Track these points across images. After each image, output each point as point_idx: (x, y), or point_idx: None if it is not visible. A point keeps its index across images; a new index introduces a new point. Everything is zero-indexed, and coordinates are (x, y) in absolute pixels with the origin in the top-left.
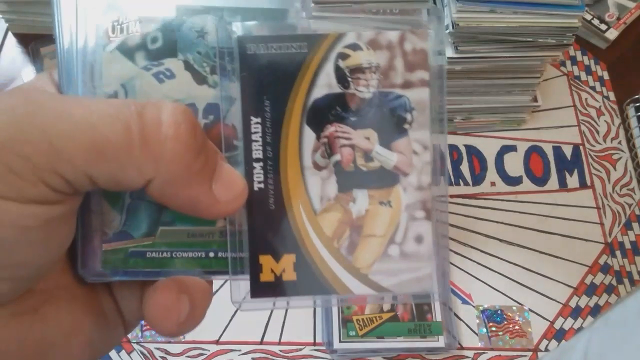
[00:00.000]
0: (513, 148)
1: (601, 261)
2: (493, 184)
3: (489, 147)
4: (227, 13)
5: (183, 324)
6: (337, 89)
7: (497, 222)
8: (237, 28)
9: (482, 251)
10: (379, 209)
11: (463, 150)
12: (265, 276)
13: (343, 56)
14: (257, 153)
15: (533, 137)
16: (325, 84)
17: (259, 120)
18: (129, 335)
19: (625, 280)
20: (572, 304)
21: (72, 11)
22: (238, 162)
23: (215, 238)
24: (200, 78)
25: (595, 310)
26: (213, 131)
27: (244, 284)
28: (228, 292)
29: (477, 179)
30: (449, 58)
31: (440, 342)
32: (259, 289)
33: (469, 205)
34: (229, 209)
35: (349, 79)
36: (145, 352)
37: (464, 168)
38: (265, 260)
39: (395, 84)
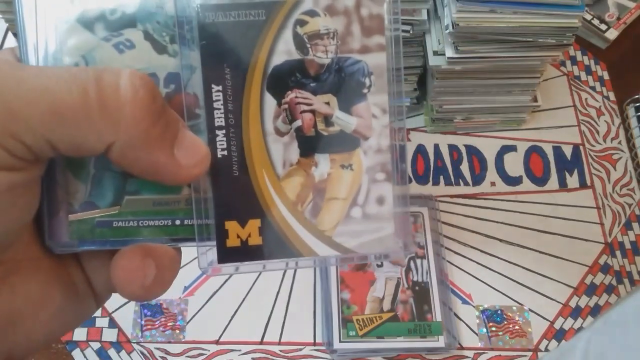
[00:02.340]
0: (513, 148)
1: (601, 261)
2: (493, 184)
3: (489, 147)
4: None
5: (149, 288)
6: (296, 55)
7: (497, 222)
8: None
9: (482, 251)
10: (340, 173)
11: (463, 150)
12: (232, 241)
13: (301, 23)
14: (219, 121)
15: (533, 137)
16: (284, 51)
17: (220, 88)
18: (129, 335)
19: (625, 280)
20: (572, 304)
21: None
22: (201, 130)
23: (180, 206)
24: (160, 47)
25: (595, 310)
26: (175, 100)
27: (210, 250)
28: (228, 292)
29: (477, 179)
30: (448, 58)
31: (440, 342)
32: (226, 254)
33: (469, 205)
34: (192, 174)
35: (308, 45)
36: (145, 352)
37: (464, 168)
38: (231, 226)
39: (353, 49)
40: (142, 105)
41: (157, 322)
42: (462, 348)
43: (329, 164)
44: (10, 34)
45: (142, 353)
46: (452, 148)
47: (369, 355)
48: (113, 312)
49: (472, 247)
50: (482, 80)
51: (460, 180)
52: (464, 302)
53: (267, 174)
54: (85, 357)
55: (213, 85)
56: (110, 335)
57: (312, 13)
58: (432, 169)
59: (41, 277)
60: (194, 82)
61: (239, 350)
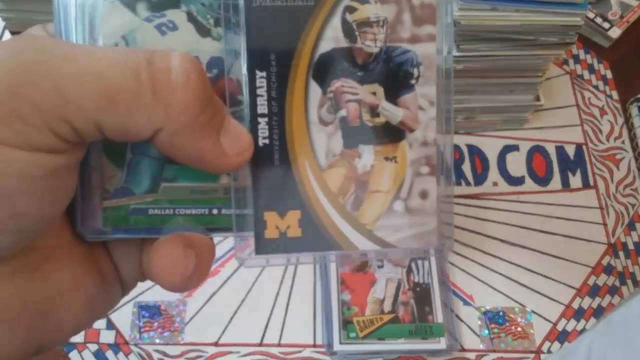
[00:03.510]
0: (515, 148)
1: (604, 262)
2: (495, 184)
3: (491, 147)
4: None
5: (190, 279)
6: (344, 43)
7: (499, 222)
8: None
9: (483, 252)
10: (384, 165)
11: (465, 150)
12: (270, 233)
13: (350, 9)
14: (262, 108)
15: (535, 136)
16: (332, 38)
17: (264, 74)
18: (127, 337)
19: (629, 282)
20: (575, 305)
21: None
22: (242, 118)
23: (218, 195)
24: (204, 30)
25: (598, 312)
26: (217, 86)
27: (248, 240)
28: (227, 293)
29: (479, 179)
30: None
31: (442, 343)
32: (264, 246)
33: (471, 206)
34: (235, 163)
35: (356, 33)
36: (143, 354)
37: (466, 168)
38: (270, 216)
39: (403, 38)
40: (194, 90)
41: (155, 324)
42: (463, 350)
43: (372, 156)
44: (7, 33)
45: (140, 355)
46: (454, 148)
47: (369, 357)
48: (111, 313)
49: (473, 247)
50: (483, 79)
51: (462, 180)
52: (466, 303)
53: (310, 164)
54: (82, 359)
55: (257, 72)
56: (108, 337)
57: (362, 0)
58: None
59: (73, 265)
60: (238, 67)
61: (238, 352)
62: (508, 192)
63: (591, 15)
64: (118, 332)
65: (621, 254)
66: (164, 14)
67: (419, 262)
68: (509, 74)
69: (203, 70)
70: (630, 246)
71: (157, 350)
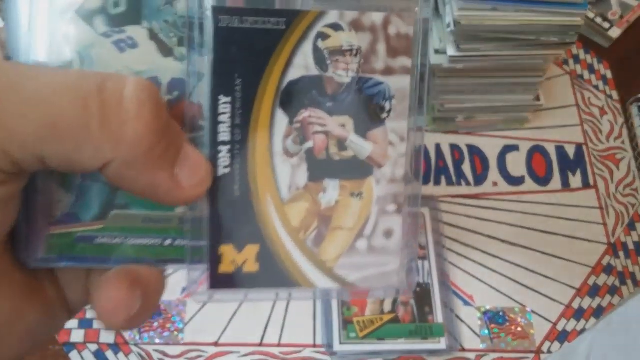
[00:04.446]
0: (515, 148)
1: (604, 262)
2: (495, 184)
3: (491, 147)
4: None
5: (133, 319)
6: (314, 71)
7: (499, 222)
8: None
9: (483, 252)
10: (349, 201)
11: (465, 150)
12: (225, 267)
13: (323, 36)
14: (225, 135)
15: (535, 136)
16: (302, 65)
17: (228, 99)
18: (127, 337)
19: (629, 282)
20: (575, 305)
21: None
22: (202, 144)
23: (173, 225)
24: (166, 49)
25: (598, 312)
26: (177, 109)
27: (201, 274)
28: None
29: (479, 179)
30: (450, 56)
31: (442, 344)
32: (218, 280)
33: (471, 206)
34: (192, 195)
35: (328, 62)
36: (143, 354)
37: (466, 168)
38: (227, 250)
39: (376, 69)
40: (147, 121)
41: (155, 324)
42: (463, 350)
43: (338, 191)
44: None
45: (140, 355)
46: (454, 148)
47: (369, 357)
48: None
49: (473, 247)
50: (484, 79)
51: (462, 181)
52: (466, 303)
53: (271, 197)
54: (82, 359)
55: (221, 96)
56: (108, 337)
57: (336, 27)
58: (433, 169)
59: (13, 294)
60: (201, 90)
61: (238, 352)
62: (508, 192)
63: (591, 15)
64: (118, 332)
65: (621, 254)
66: (124, 29)
67: (419, 263)
68: (509, 74)
69: (160, 97)
70: (630, 246)
71: (157, 350)
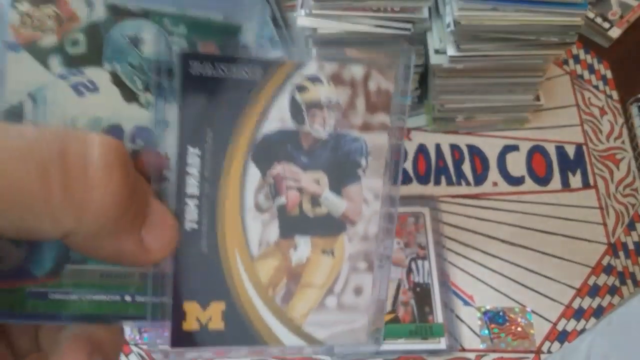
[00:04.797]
0: (515, 148)
1: (604, 262)
2: (495, 184)
3: (491, 147)
4: (170, 21)
5: None
6: (290, 124)
7: (499, 222)
8: (181, 41)
9: (484, 252)
10: (320, 258)
11: (465, 150)
12: (189, 324)
13: (301, 88)
14: (192, 188)
15: (535, 136)
16: (278, 118)
17: (197, 151)
18: (127, 338)
19: (629, 282)
20: (575, 305)
21: None
22: (168, 195)
23: (133, 280)
24: (130, 95)
25: (598, 312)
26: (141, 159)
27: (162, 331)
28: None
29: (479, 179)
30: (450, 56)
31: (442, 344)
32: (181, 339)
33: (471, 206)
34: (158, 257)
35: (305, 115)
36: (143, 354)
37: (466, 168)
38: (191, 307)
39: (354, 125)
40: (114, 188)
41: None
42: (463, 350)
43: (309, 248)
44: None
45: (140, 355)
46: (454, 148)
47: (369, 357)
48: None
49: (473, 247)
50: (484, 79)
51: (462, 180)
52: (466, 303)
53: (240, 253)
54: None
55: (190, 147)
56: None
57: (315, 79)
58: (433, 168)
59: None
60: (167, 140)
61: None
62: (508, 192)
63: (591, 15)
64: None
65: (621, 254)
66: (83, 71)
67: (419, 262)
68: (509, 73)
69: (128, 159)
70: (630, 246)
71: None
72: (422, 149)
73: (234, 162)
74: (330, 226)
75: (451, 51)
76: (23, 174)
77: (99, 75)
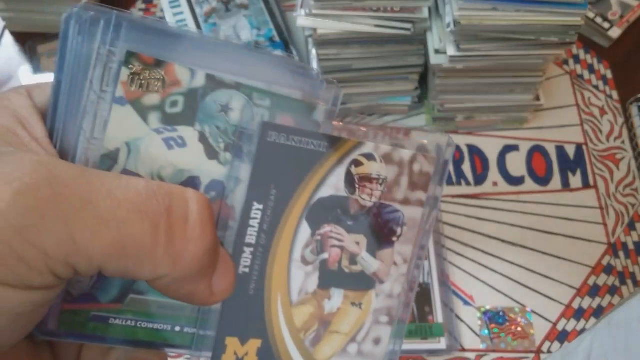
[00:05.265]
0: (515, 147)
1: (604, 262)
2: (495, 184)
3: (491, 147)
4: (257, 95)
5: None
6: (343, 192)
7: (499, 222)
8: (264, 113)
9: (483, 252)
10: (349, 309)
11: (465, 149)
12: (228, 357)
13: (357, 163)
14: (251, 238)
15: (535, 136)
16: (333, 185)
17: (261, 207)
18: None
19: (629, 282)
20: (575, 305)
21: (88, 43)
22: (228, 243)
23: (185, 313)
24: (212, 153)
25: (598, 312)
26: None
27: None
28: None
29: (479, 179)
30: (450, 56)
31: (442, 343)
32: None
33: (471, 206)
34: (219, 299)
35: (357, 185)
36: None
37: (466, 168)
38: (231, 342)
39: (396, 198)
40: (206, 243)
41: None
42: (463, 350)
43: (341, 300)
44: (7, 32)
45: None
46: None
47: None
48: None
49: (473, 247)
50: (484, 79)
51: (462, 180)
52: (466, 303)
53: (282, 298)
54: None
55: (255, 203)
56: None
57: (369, 157)
58: None
59: (18, 358)
60: (236, 195)
61: None
62: (508, 192)
63: (591, 15)
64: None
65: (621, 254)
66: (176, 129)
67: None
68: (509, 73)
69: (214, 216)
70: (630, 246)
71: None
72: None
73: (290, 219)
74: (362, 282)
75: (451, 51)
76: (138, 228)
77: (189, 133)
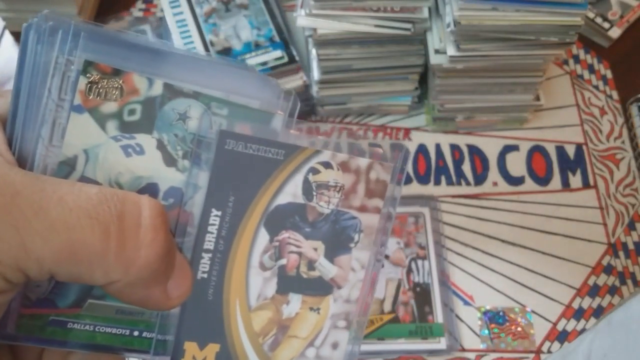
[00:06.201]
0: (515, 147)
1: (604, 262)
2: (495, 184)
3: (491, 147)
4: (216, 104)
5: None
6: (300, 199)
7: (499, 222)
8: (222, 122)
9: (483, 252)
10: (307, 314)
11: (465, 149)
12: None
13: (314, 171)
14: (209, 244)
15: (535, 136)
16: (291, 193)
17: (219, 213)
18: None
19: (629, 282)
20: (575, 305)
21: (46, 53)
22: (186, 249)
23: (143, 317)
24: (170, 160)
25: (598, 312)
26: (169, 215)
27: None
28: None
29: (479, 179)
30: (450, 56)
31: (442, 343)
32: None
33: (471, 206)
34: (176, 304)
35: (314, 193)
36: None
37: (466, 168)
38: (190, 346)
39: (353, 206)
40: (158, 248)
41: None
42: (463, 350)
43: (299, 305)
44: (7, 33)
45: None
46: (454, 147)
47: (369, 357)
48: None
49: (473, 247)
50: (484, 79)
51: (462, 180)
52: (466, 303)
53: (240, 303)
54: None
55: (213, 209)
56: None
57: (326, 165)
58: (433, 168)
59: None
60: (195, 201)
61: None
62: (508, 192)
63: (591, 15)
64: None
65: (621, 253)
66: (134, 136)
67: (419, 262)
68: (509, 73)
69: (168, 221)
70: (630, 246)
71: None
72: (422, 149)
73: (248, 226)
74: (320, 287)
75: (451, 51)
76: (89, 231)
77: (147, 141)
